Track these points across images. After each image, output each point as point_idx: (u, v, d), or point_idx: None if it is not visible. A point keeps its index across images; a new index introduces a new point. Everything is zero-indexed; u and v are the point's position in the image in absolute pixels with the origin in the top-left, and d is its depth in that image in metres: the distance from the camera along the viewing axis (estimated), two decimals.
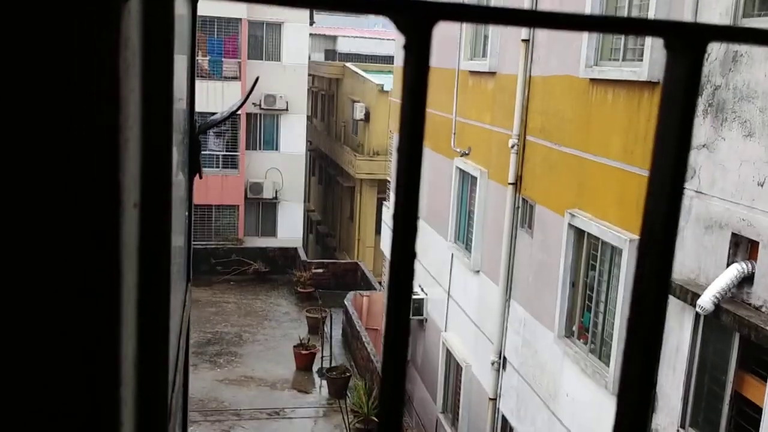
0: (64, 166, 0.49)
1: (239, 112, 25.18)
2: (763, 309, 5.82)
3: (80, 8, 0.44)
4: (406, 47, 0.32)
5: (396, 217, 0.33)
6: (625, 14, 8.15)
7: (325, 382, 16.72)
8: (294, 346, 17.75)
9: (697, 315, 6.46)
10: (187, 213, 2.12)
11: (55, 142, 0.47)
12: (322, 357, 17.46)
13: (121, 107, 0.47)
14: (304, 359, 17.50)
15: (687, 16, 6.79)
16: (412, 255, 0.37)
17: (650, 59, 7.34)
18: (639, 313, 0.47)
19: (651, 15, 7.36)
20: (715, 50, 6.46)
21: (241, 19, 25.27)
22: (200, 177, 2.19)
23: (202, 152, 2.43)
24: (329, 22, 45.76)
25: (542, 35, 10.07)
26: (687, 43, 0.34)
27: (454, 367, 13.18)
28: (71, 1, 0.44)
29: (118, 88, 0.46)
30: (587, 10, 8.59)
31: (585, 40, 8.62)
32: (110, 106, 0.46)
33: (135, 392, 0.74)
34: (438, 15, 0.31)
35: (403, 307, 0.42)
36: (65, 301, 0.51)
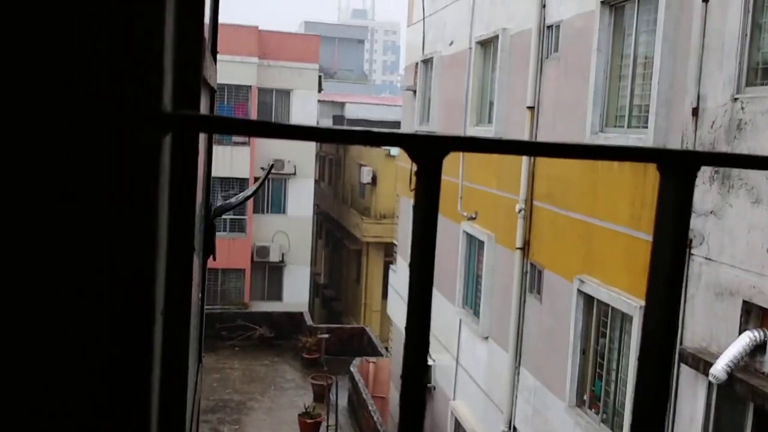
0: (107, 285, 0.51)
1: (247, 175, 25.46)
2: None
3: (124, 143, 0.48)
4: (418, 173, 0.34)
5: (407, 335, 0.34)
6: (629, 84, 8.29)
7: None
8: (299, 415, 17.41)
9: (710, 384, 6.34)
10: (200, 295, 2.14)
11: (99, 264, 0.50)
12: (327, 426, 17.09)
13: (158, 230, 0.49)
14: (309, 429, 17.13)
15: (690, 86, 6.91)
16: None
17: (655, 126, 7.43)
18: (646, 372, 0.47)
19: (654, 84, 7.48)
20: (719, 117, 6.54)
21: (251, 86, 25.83)
22: (214, 259, 2.22)
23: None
24: (338, 88, 46.71)
25: (547, 102, 10.22)
26: (678, 167, 0.35)
27: None
28: (116, 135, 0.47)
29: (156, 214, 0.49)
30: (591, 82, 8.75)
31: (590, 107, 8.75)
32: (148, 232, 0.49)
33: None
34: (446, 147, 0.32)
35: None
36: (97, 411, 0.52)
